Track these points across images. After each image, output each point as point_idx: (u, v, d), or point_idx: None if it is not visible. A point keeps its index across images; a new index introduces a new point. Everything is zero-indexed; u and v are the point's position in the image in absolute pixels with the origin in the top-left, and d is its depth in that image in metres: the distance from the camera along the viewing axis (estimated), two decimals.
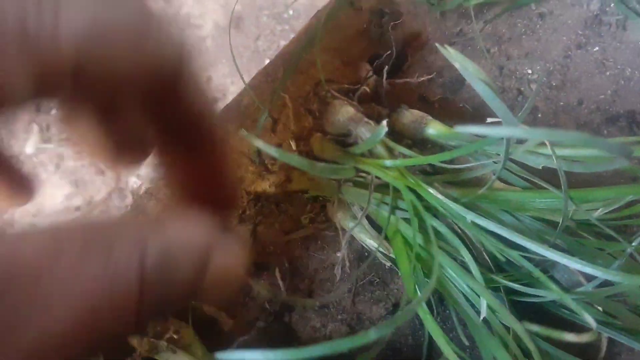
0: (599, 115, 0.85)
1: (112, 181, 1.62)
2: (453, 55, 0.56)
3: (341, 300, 0.76)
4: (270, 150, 0.42)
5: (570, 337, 0.47)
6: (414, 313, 0.52)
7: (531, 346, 0.57)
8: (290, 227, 0.78)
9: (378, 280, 0.77)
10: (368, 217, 0.74)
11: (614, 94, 0.86)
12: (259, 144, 0.42)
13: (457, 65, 0.55)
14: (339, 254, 0.76)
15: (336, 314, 0.76)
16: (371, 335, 0.40)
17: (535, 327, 0.59)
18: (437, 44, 0.56)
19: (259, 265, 0.76)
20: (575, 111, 0.85)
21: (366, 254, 0.77)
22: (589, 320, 0.52)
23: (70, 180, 1.64)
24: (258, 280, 0.75)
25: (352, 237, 0.77)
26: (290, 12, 1.80)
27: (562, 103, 0.86)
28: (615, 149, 0.42)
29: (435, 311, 0.73)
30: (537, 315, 0.72)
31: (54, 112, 1.69)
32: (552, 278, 0.67)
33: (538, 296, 0.65)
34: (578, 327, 0.68)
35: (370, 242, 0.74)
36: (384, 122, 0.60)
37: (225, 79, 1.76)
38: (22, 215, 1.60)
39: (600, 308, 0.68)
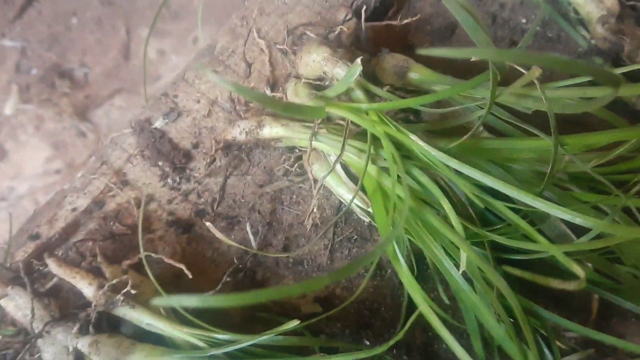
0: None
1: (93, 144, 1.56)
2: None
3: (316, 257, 0.71)
4: (230, 86, 0.37)
5: (555, 283, 0.42)
6: (379, 254, 0.47)
7: (514, 302, 0.53)
8: (264, 179, 0.73)
9: (356, 237, 0.72)
10: (346, 169, 0.69)
11: None
12: (226, 82, 0.36)
13: None
14: (315, 209, 0.72)
15: (311, 271, 0.71)
16: (324, 280, 0.36)
17: (517, 272, 0.54)
18: None
19: (229, 220, 0.72)
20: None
21: (344, 208, 0.72)
22: (577, 270, 0.47)
23: (51, 143, 1.59)
24: (229, 235, 0.71)
25: (330, 193, 0.72)
26: None
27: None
28: (604, 76, 0.38)
29: (415, 271, 0.68)
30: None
31: (34, 71, 1.63)
32: (540, 232, 0.62)
33: (524, 251, 0.60)
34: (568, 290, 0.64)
35: (347, 196, 0.69)
36: (359, 60, 0.55)
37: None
38: (1, 177, 1.55)
39: (590, 265, 0.63)
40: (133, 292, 0.61)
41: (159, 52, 1.65)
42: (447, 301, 0.64)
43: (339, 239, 0.72)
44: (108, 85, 1.62)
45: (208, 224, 0.64)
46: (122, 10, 1.71)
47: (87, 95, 1.62)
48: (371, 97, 0.65)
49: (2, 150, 1.57)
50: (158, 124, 0.75)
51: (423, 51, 0.36)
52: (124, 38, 1.68)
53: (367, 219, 0.71)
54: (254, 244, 0.70)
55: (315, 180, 0.70)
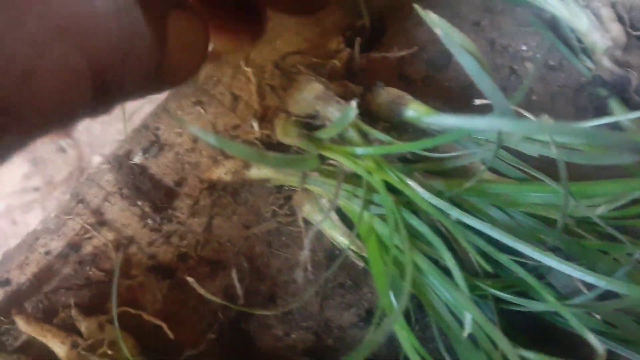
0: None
1: (73, 160, 1.51)
2: (435, 21, 0.47)
3: (307, 305, 0.67)
4: (206, 137, 0.32)
5: None
6: (386, 333, 0.44)
7: None
8: (251, 220, 0.69)
9: (350, 282, 0.68)
10: (339, 211, 0.64)
11: None
12: (193, 129, 0.32)
13: (438, 32, 0.45)
14: (305, 252, 0.67)
15: (301, 320, 0.66)
16: None
17: (531, 355, 0.51)
18: (415, 5, 0.46)
19: (214, 265, 0.67)
20: (576, 94, 0.76)
21: (337, 252, 0.68)
22: (595, 342, 0.44)
23: (29, 159, 1.53)
24: (212, 282, 0.66)
25: (322, 234, 0.68)
26: None
27: (559, 85, 0.77)
28: (623, 144, 0.33)
29: (413, 319, 0.64)
30: (530, 325, 0.64)
31: None
32: (547, 284, 0.58)
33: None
34: (575, 338, 0.60)
35: (341, 239, 0.65)
36: (354, 102, 0.51)
37: None
38: None
39: (598, 317, 0.60)
40: (109, 352, 0.56)
41: None
42: (447, 358, 0.60)
43: (331, 285, 0.67)
44: None
45: (189, 279, 0.59)
46: None
47: None
48: (366, 136, 0.61)
49: None
50: (137, 159, 0.70)
51: (434, 118, 0.32)
52: None
53: (361, 264, 0.67)
54: (239, 291, 0.65)
55: (306, 221, 0.66)
